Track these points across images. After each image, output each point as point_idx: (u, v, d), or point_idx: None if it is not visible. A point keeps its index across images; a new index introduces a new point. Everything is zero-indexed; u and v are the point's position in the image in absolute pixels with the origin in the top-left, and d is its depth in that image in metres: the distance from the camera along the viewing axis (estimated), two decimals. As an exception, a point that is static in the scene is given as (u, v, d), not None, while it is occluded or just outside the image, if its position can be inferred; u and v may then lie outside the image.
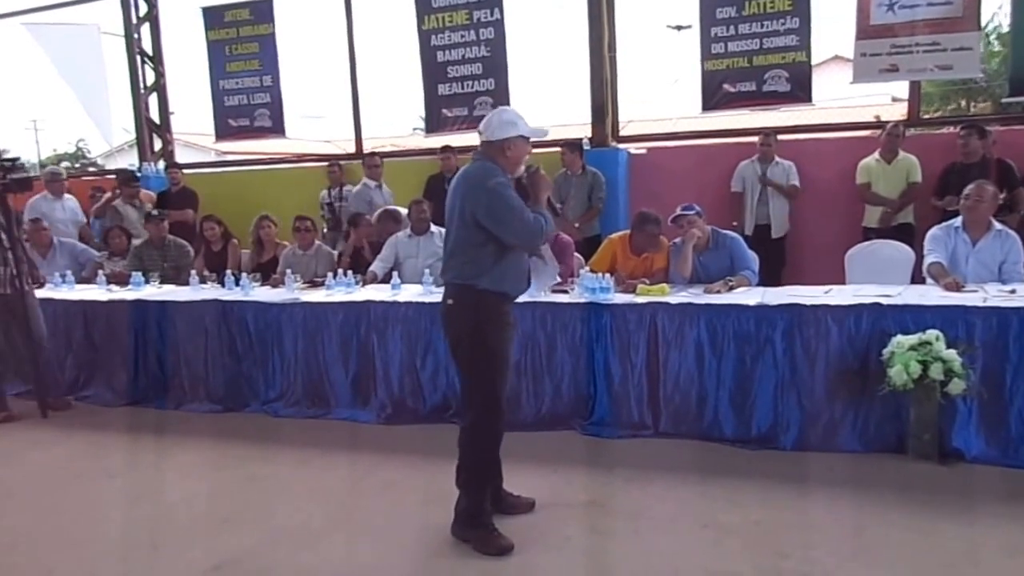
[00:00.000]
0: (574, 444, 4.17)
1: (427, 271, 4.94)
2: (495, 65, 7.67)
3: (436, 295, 4.69)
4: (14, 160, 5.22)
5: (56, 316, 5.51)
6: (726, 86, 6.90)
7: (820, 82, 7.00)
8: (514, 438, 4.24)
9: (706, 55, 6.92)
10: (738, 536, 3.07)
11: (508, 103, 7.65)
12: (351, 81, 8.42)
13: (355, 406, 4.79)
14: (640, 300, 4.25)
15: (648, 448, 4.06)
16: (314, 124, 20.46)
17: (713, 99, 6.96)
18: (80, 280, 6.22)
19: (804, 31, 6.63)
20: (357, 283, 5.21)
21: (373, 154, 7.47)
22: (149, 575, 3.02)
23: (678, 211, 4.69)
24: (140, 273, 5.90)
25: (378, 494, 3.63)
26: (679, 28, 20.14)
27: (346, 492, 3.08)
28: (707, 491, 3.50)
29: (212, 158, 11.73)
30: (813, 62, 6.76)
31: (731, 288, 4.36)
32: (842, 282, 4.83)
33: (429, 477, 3.72)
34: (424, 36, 7.86)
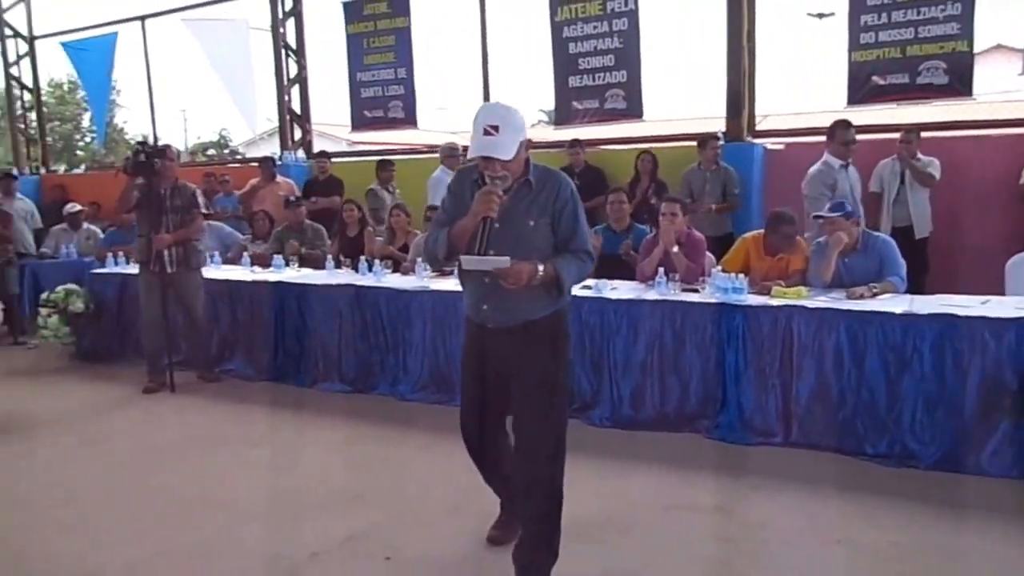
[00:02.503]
0: (699, 448, 4.07)
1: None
2: (627, 57, 7.57)
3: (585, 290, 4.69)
4: (155, 144, 5.63)
5: (205, 294, 5.86)
6: (875, 78, 6.50)
7: (979, 73, 6.49)
8: (636, 437, 4.25)
9: (854, 45, 6.55)
10: (873, 556, 2.91)
11: (640, 96, 7.55)
12: (483, 73, 8.51)
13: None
14: (775, 302, 4.09)
15: (777, 457, 3.91)
16: (439, 115, 20.90)
17: (860, 92, 6.58)
18: (226, 261, 6.64)
19: (966, 18, 6.14)
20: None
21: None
22: (288, 539, 3.19)
23: (825, 209, 4.47)
24: (280, 256, 6.22)
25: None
26: (821, 16, 19.22)
27: (468, 478, 3.13)
28: (840, 506, 3.34)
29: (343, 148, 12.19)
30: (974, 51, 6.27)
31: (875, 294, 4.12)
32: (1001, 293, 4.46)
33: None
34: (557, 27, 7.85)
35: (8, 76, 11.60)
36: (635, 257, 5.05)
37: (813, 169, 5.19)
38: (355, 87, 9.13)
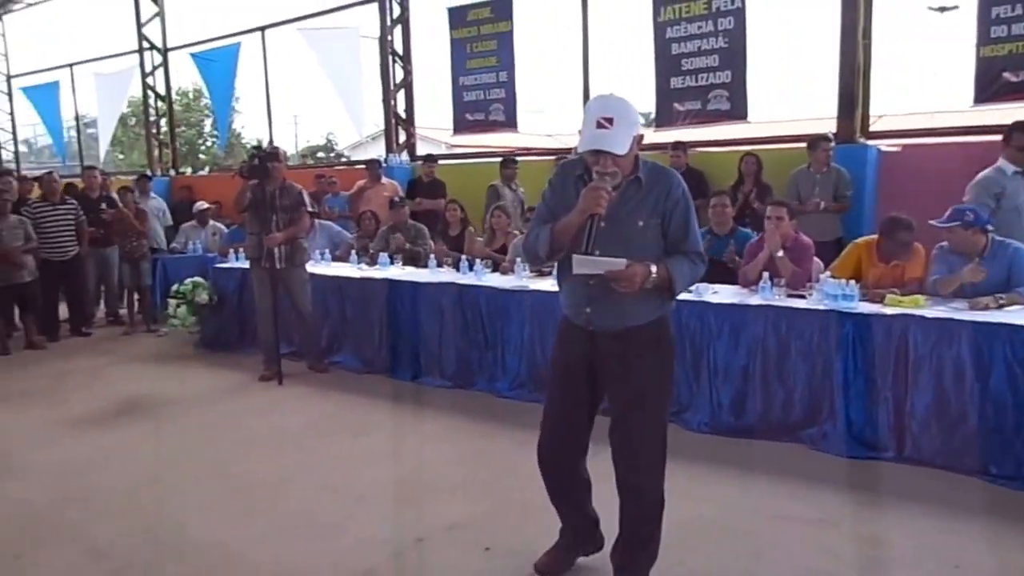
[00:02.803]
0: (803, 458, 3.96)
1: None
2: (732, 57, 7.42)
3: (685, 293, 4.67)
4: (267, 149, 5.95)
5: (315, 289, 6.15)
6: (1007, 74, 6.12)
7: None
8: (736, 444, 4.18)
9: (983, 39, 6.18)
10: (997, 581, 2.77)
11: (744, 96, 7.39)
12: (583, 76, 8.53)
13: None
14: (889, 311, 3.93)
15: (887, 472, 3.76)
16: (537, 118, 20.99)
17: (989, 89, 6.20)
18: (335, 258, 6.93)
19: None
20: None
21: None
22: (394, 524, 3.33)
23: (948, 213, 4.23)
24: (387, 254, 6.45)
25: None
26: (943, 10, 18.18)
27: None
28: (958, 528, 3.17)
29: (443, 150, 12.45)
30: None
31: (1001, 306, 3.89)
32: None
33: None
34: (660, 28, 7.78)
35: (145, 86, 12.47)
36: (739, 262, 4.96)
37: (981, 174, 4.83)
38: (457, 91, 9.33)
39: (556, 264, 2.68)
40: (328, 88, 10.45)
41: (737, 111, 7.45)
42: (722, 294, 4.56)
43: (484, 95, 9.14)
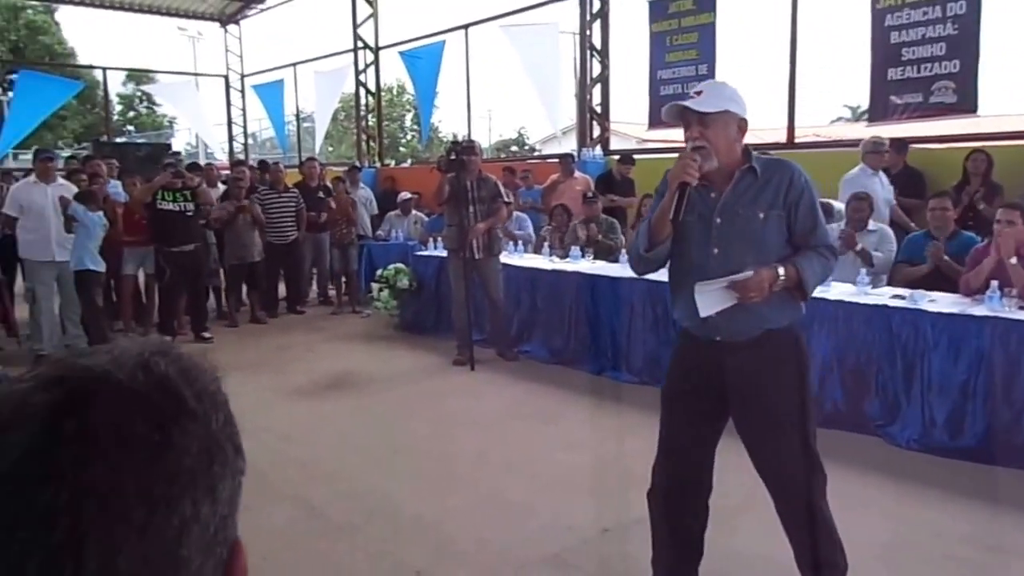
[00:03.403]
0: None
1: (863, 270, 4.63)
2: (962, 45, 6.76)
3: (871, 296, 4.40)
4: (463, 143, 6.20)
5: (507, 280, 6.36)
6: None
7: None
8: (948, 465, 3.85)
9: None
10: None
11: (975, 88, 6.72)
12: (789, 68, 8.14)
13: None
14: None
15: None
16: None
17: None
18: (528, 250, 7.13)
19: None
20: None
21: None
22: (581, 513, 3.39)
23: None
24: (578, 247, 6.54)
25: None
26: None
27: (750, 479, 3.09)
28: None
29: (632, 145, 12.35)
30: None
31: None
32: None
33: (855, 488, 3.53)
34: (878, 15, 7.25)
35: (357, 82, 13.45)
36: (949, 264, 4.56)
37: None
38: (655, 85, 9.22)
39: (669, 266, 2.50)
40: (524, 83, 10.72)
41: (965, 104, 6.79)
42: (940, 303, 4.21)
43: (682, 88, 8.96)
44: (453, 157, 5.92)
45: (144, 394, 0.51)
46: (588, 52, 9.89)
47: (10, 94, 16.40)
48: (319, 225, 8.39)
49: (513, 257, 6.76)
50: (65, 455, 0.47)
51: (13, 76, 16.30)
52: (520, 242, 7.15)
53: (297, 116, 16.15)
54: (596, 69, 9.94)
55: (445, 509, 3.50)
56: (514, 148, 29.16)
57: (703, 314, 2.30)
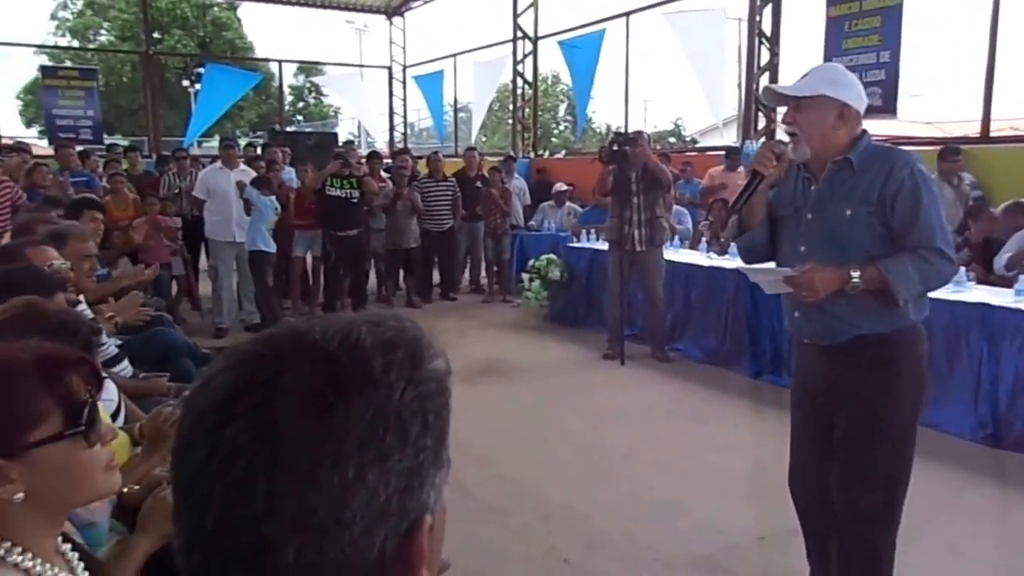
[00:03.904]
0: None
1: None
2: None
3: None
4: (627, 134, 6.05)
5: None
6: None
7: None
8: None
9: None
10: None
11: None
12: (988, 54, 7.39)
13: (945, 412, 4.30)
14: None
15: None
16: (915, 103, 18.77)
17: None
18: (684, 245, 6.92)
19: None
20: (971, 280, 4.66)
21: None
22: (735, 517, 3.25)
23: None
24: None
25: (973, 517, 3.24)
26: None
27: (942, 510, 2.84)
28: None
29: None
30: None
31: None
32: None
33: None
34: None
35: (515, 73, 13.59)
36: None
37: None
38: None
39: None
40: (685, 72, 10.41)
41: None
42: None
43: (861, 77, 8.30)
44: (616, 148, 5.82)
45: (333, 357, 0.54)
46: (757, 39, 9.44)
47: (197, 86, 17.90)
48: (475, 214, 8.53)
49: (669, 252, 6.58)
50: (250, 400, 0.52)
51: (200, 70, 17.77)
52: (677, 236, 6.95)
53: (455, 106, 16.54)
54: (764, 56, 9.48)
55: (594, 501, 3.49)
56: (671, 139, 28.54)
57: (767, 291, 2.24)
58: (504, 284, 8.64)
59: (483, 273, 9.10)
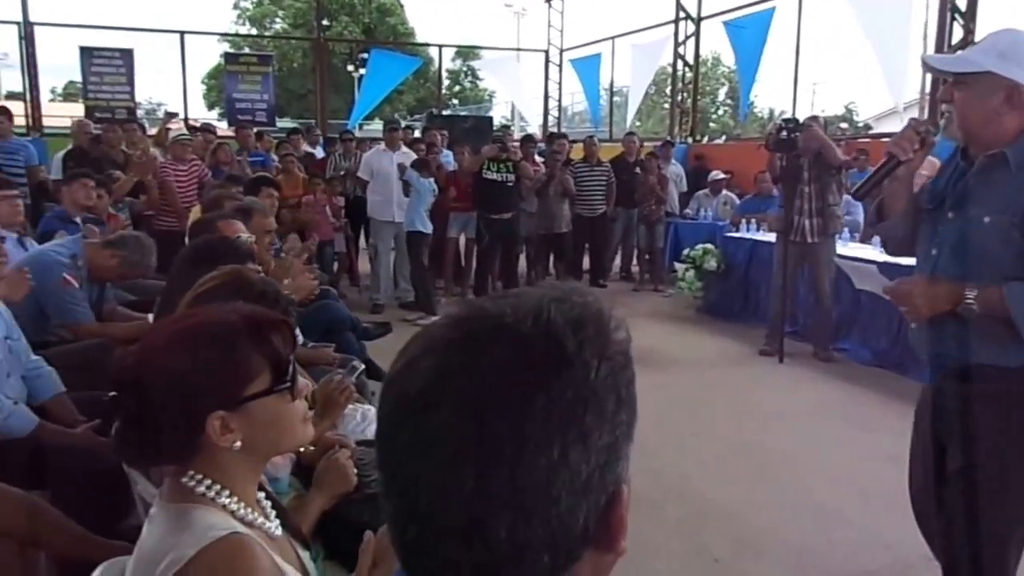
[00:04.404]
0: None
1: None
2: None
3: None
4: (796, 120, 5.70)
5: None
6: None
7: None
8: None
9: None
10: None
11: None
12: None
13: None
14: None
15: None
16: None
17: None
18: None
19: None
20: None
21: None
22: (901, 532, 2.99)
23: None
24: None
25: None
26: None
27: None
28: None
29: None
30: None
31: None
32: None
33: None
34: None
35: (676, 55, 13.24)
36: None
37: None
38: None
39: None
40: (863, 52, 9.76)
41: None
42: None
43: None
44: (784, 136, 5.53)
45: (529, 339, 0.55)
46: (948, 13, 8.66)
47: (361, 71, 18.74)
48: (628, 200, 8.40)
49: (837, 245, 6.19)
50: (453, 386, 0.54)
51: (364, 55, 18.58)
52: (847, 229, 6.52)
53: (611, 90, 16.37)
54: (958, 34, 8.68)
55: (748, 501, 3.37)
56: (843, 125, 26.90)
57: (858, 285, 1.94)
58: (656, 273, 8.48)
59: (634, 261, 8.97)
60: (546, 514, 0.54)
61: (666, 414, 4.51)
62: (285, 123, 17.24)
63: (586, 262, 8.80)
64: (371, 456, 2.03)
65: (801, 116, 6.21)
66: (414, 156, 7.28)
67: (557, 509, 0.54)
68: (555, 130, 14.19)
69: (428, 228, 7.13)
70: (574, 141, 9.40)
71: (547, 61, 16.55)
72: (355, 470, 1.75)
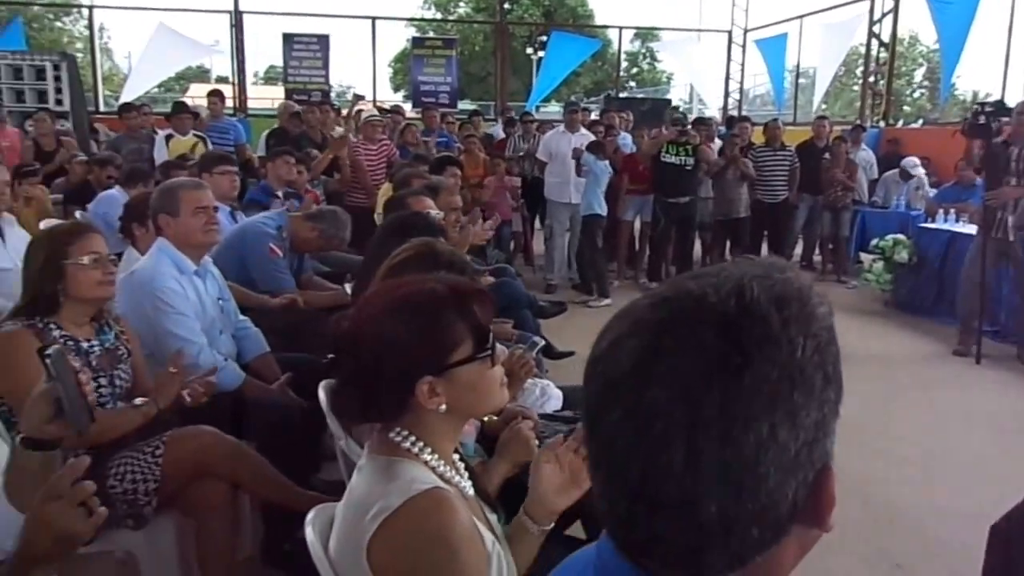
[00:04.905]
0: None
1: None
2: None
3: None
4: (1000, 103, 5.16)
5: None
6: None
7: None
8: None
9: None
10: None
11: None
12: None
13: None
14: None
15: None
16: None
17: None
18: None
19: None
20: None
21: None
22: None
23: None
24: None
25: None
26: None
27: None
28: None
29: None
30: None
31: None
32: None
33: None
34: None
35: (870, 34, 12.31)
36: None
37: None
38: None
39: None
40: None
41: None
42: None
43: None
44: (982, 121, 5.03)
45: (732, 318, 0.55)
46: None
47: (540, 53, 18.93)
48: (812, 187, 7.95)
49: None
50: (662, 365, 0.55)
51: (544, 37, 18.73)
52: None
53: (796, 71, 15.53)
54: None
55: (934, 508, 3.20)
56: None
57: None
58: (840, 263, 8.00)
59: (817, 250, 8.50)
60: (755, 490, 0.55)
61: (850, 412, 4.20)
62: (465, 105, 17.82)
63: (764, 250, 8.43)
64: (552, 429, 2.11)
65: (1012, 101, 5.59)
66: (592, 138, 7.29)
67: (766, 485, 0.55)
68: (735, 113, 13.67)
69: (604, 211, 7.13)
70: (756, 124, 9.02)
71: (730, 42, 15.92)
72: (536, 441, 1.82)
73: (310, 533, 1.29)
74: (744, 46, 15.80)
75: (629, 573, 0.61)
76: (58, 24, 26.47)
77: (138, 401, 2.16)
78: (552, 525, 1.42)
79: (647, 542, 0.58)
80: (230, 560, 2.10)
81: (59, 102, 9.00)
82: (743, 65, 16.08)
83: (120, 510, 2.03)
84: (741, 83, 16.29)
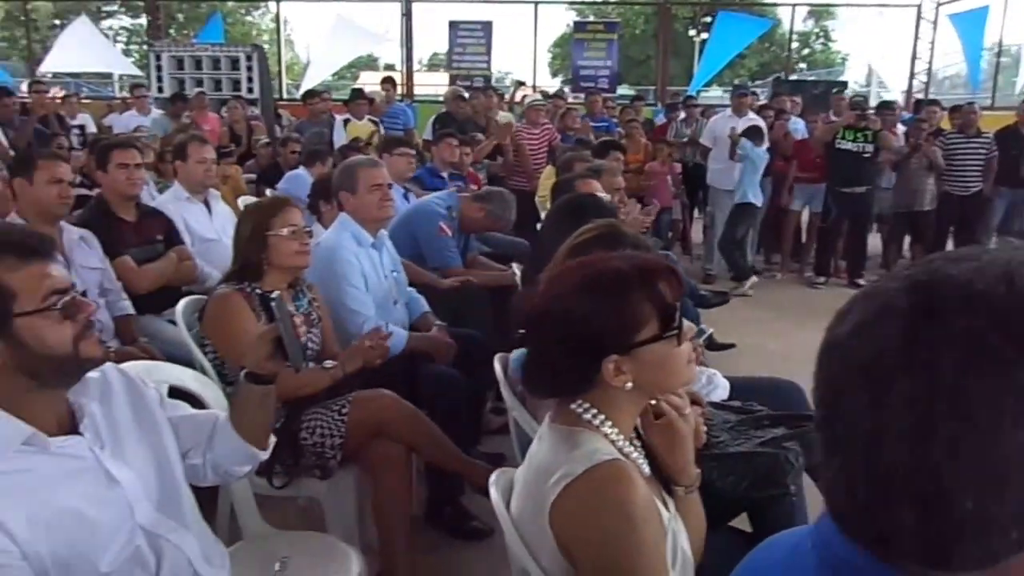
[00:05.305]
0: None
1: None
2: None
3: None
4: None
5: None
6: None
7: None
8: None
9: None
10: None
11: None
12: None
13: None
14: None
15: None
16: None
17: None
18: None
19: None
20: None
21: None
22: None
23: None
24: None
25: None
26: None
27: None
28: None
29: None
30: None
31: None
32: None
33: None
34: None
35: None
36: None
37: None
38: None
39: None
40: None
41: None
42: None
43: None
44: None
45: (1002, 307, 0.52)
46: None
47: (703, 35, 18.33)
48: (1015, 179, 7.18)
49: None
50: (925, 353, 0.53)
51: (708, 19, 18.11)
52: None
53: (999, 48, 14.10)
54: None
55: None
56: None
57: None
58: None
59: (1019, 248, 7.68)
60: (1019, 490, 0.52)
61: None
62: (623, 89, 17.61)
63: (950, 245, 7.75)
64: (719, 417, 2.06)
65: None
66: (761, 122, 6.99)
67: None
68: (920, 96, 12.64)
69: (759, 200, 6.80)
70: (944, 109, 8.30)
71: (919, 16, 14.70)
72: (704, 428, 1.79)
73: (494, 493, 1.35)
74: (935, 21, 14.54)
75: (859, 559, 0.59)
76: (248, 18, 28.66)
77: (328, 363, 2.34)
78: (695, 483, 1.38)
79: (886, 533, 0.57)
80: (402, 515, 2.24)
81: (250, 90, 9.83)
82: (932, 42, 14.82)
83: (309, 460, 2.21)
84: (930, 63, 15.03)
